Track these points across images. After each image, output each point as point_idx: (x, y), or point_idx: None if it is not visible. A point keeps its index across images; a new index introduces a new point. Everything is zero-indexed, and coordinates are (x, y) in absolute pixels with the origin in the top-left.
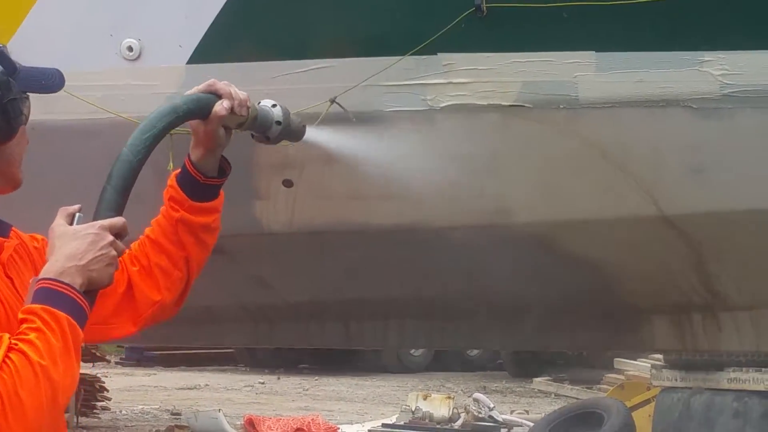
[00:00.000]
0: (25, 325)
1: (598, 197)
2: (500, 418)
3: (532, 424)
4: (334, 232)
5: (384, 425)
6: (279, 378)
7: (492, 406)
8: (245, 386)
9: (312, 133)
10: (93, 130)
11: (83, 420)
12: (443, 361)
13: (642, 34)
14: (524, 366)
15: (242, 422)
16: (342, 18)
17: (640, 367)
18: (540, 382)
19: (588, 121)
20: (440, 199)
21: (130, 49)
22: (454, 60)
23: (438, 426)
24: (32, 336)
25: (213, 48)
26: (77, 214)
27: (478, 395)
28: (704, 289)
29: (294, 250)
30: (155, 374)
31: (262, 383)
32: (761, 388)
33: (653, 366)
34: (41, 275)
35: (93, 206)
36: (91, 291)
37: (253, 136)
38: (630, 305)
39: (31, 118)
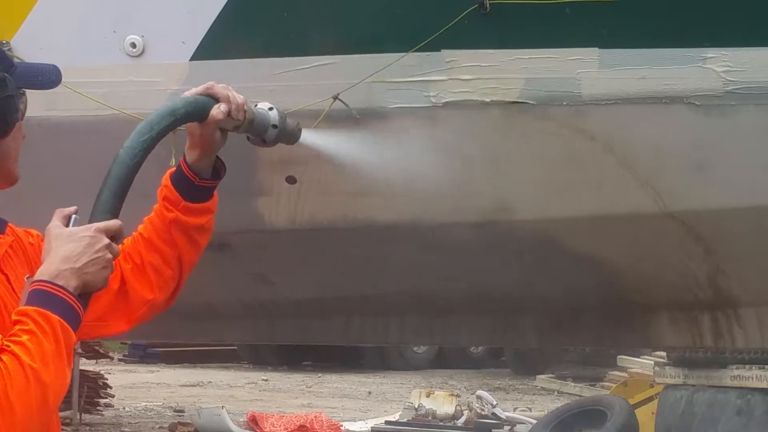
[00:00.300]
0: (17, 327)
1: (602, 194)
2: (503, 415)
3: (535, 422)
4: (337, 228)
5: (387, 422)
6: (285, 369)
7: (495, 403)
8: (248, 383)
9: (307, 136)
10: (96, 126)
11: (86, 417)
12: (446, 359)
13: (645, 31)
14: (527, 363)
15: (245, 419)
16: (345, 14)
17: (643, 364)
18: (543, 380)
19: (591, 118)
20: (443, 196)
21: (134, 45)
22: (457, 57)
23: (441, 423)
24: (24, 338)
25: (216, 45)
26: (73, 216)
27: (481, 392)
28: (710, 285)
29: (297, 247)
30: (158, 371)
31: (266, 380)
32: (764, 385)
33: (656, 363)
34: (36, 277)
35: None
36: (85, 294)
37: (249, 138)
38: (636, 302)
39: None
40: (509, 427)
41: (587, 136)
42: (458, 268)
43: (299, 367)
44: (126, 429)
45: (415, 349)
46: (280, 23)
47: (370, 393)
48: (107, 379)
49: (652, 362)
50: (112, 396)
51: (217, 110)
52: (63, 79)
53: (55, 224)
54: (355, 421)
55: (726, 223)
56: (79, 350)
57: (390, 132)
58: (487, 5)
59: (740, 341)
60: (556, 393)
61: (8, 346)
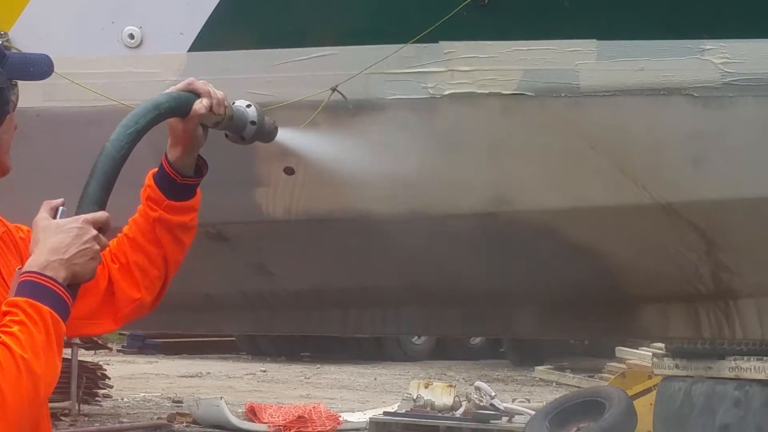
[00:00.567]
0: (8, 318)
1: (599, 185)
2: (502, 406)
3: (533, 413)
4: (335, 219)
5: (385, 413)
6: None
7: (493, 394)
8: (247, 374)
9: (282, 134)
10: (95, 117)
11: (85, 407)
12: (445, 350)
13: (643, 23)
14: (526, 354)
15: (244, 410)
16: (344, 5)
17: (641, 355)
18: (541, 371)
19: (589, 110)
20: (440, 187)
21: (132, 36)
22: (455, 48)
23: (439, 414)
24: (15, 329)
25: (214, 36)
26: (60, 208)
27: (479, 383)
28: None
29: (294, 238)
30: (157, 362)
31: (264, 371)
32: (762, 376)
33: (655, 355)
34: (25, 268)
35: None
36: (73, 285)
37: (227, 135)
38: (635, 294)
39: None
40: (507, 418)
41: (585, 127)
42: (457, 259)
43: (298, 358)
44: (124, 419)
45: (414, 340)
46: (278, 14)
47: (368, 384)
48: (106, 370)
49: (651, 353)
50: (111, 387)
51: (200, 105)
52: (62, 70)
53: (43, 216)
54: (353, 412)
55: (724, 215)
56: (78, 341)
57: (387, 123)
58: None
59: (739, 333)
60: (554, 384)
61: None
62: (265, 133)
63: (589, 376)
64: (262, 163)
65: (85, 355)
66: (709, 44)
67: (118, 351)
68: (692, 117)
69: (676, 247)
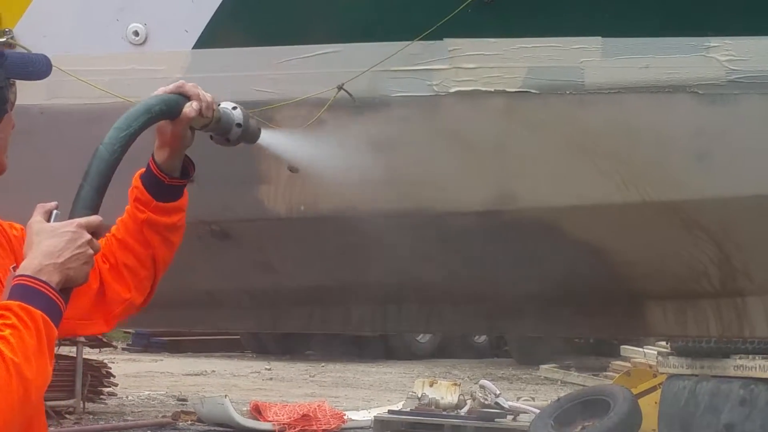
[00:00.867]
0: (0, 321)
1: (604, 183)
2: (506, 404)
3: (538, 411)
4: (339, 217)
5: (390, 412)
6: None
7: (498, 392)
8: (252, 372)
9: (266, 136)
10: (99, 114)
11: (90, 405)
12: (450, 348)
13: (648, 20)
14: (530, 353)
15: (248, 408)
16: (348, 2)
17: (646, 354)
18: (546, 369)
19: (594, 107)
20: (444, 184)
21: (136, 33)
22: (460, 45)
23: (444, 412)
24: (6, 332)
25: (219, 33)
26: (54, 211)
27: (484, 382)
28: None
29: (298, 235)
30: (162, 360)
31: (269, 369)
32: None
33: (659, 353)
34: (19, 271)
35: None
36: (66, 289)
37: (212, 137)
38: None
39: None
40: (512, 416)
41: (590, 125)
42: (461, 256)
43: (302, 357)
44: (129, 417)
45: (419, 338)
46: (282, 11)
47: (373, 382)
48: (111, 368)
49: (656, 352)
50: (116, 385)
51: (190, 108)
52: (66, 67)
53: (37, 219)
54: (358, 410)
55: (729, 212)
56: (83, 339)
57: (392, 120)
58: None
59: (747, 331)
60: (559, 383)
61: None
62: (250, 134)
63: (594, 375)
64: (266, 161)
65: (90, 354)
66: (714, 41)
67: (123, 349)
68: (697, 114)
69: (681, 245)
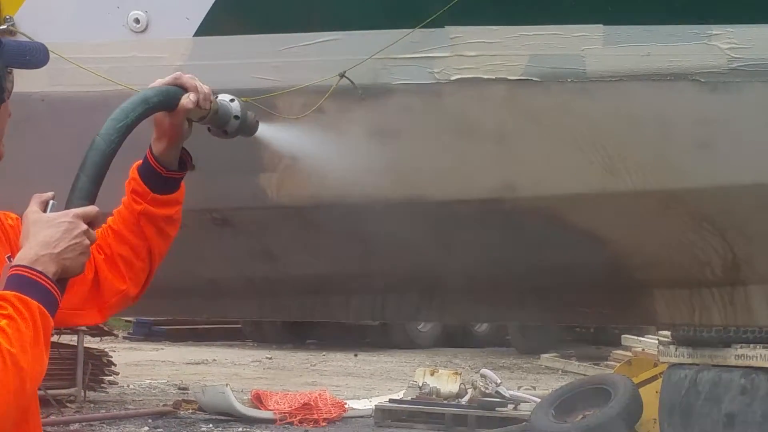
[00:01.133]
0: None
1: (605, 171)
2: (507, 393)
3: (539, 400)
4: (341, 205)
5: (391, 401)
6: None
7: (499, 381)
8: (253, 361)
9: (263, 129)
10: (100, 102)
11: (91, 394)
12: (451, 337)
13: (650, 8)
14: (531, 342)
15: (250, 397)
16: None
17: (647, 343)
18: (547, 359)
19: (596, 95)
20: (447, 172)
21: (137, 21)
22: (461, 33)
23: (445, 401)
24: (3, 323)
25: (220, 20)
26: (51, 201)
27: (485, 371)
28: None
29: (299, 223)
30: (163, 349)
31: (270, 358)
32: None
33: (660, 342)
34: (15, 262)
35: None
36: (62, 279)
37: (209, 130)
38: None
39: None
40: (513, 405)
41: (592, 113)
42: (462, 245)
43: (304, 346)
44: (130, 406)
45: (420, 327)
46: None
47: (374, 371)
48: (112, 357)
49: (656, 341)
50: (117, 373)
51: (187, 99)
52: (67, 55)
53: (33, 209)
54: (359, 399)
55: (732, 201)
56: (84, 328)
57: (393, 108)
58: None
59: (749, 320)
60: (560, 372)
61: None
62: (247, 127)
63: (595, 364)
64: (267, 148)
65: (91, 342)
66: (716, 29)
67: (124, 338)
68: (699, 102)
69: (683, 233)
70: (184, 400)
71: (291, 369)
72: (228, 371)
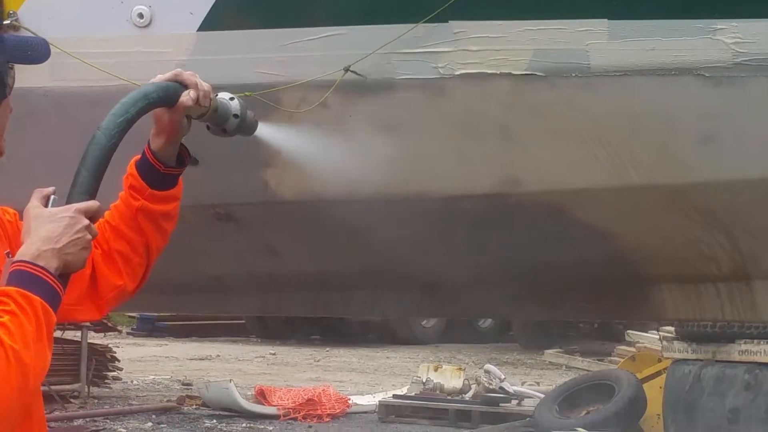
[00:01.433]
0: None
1: (610, 166)
2: (511, 389)
3: (542, 396)
4: (344, 201)
5: (395, 396)
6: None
7: (503, 377)
8: (256, 357)
9: (263, 129)
10: (104, 97)
11: (94, 390)
12: (454, 333)
13: (655, 2)
14: (535, 338)
15: (253, 393)
16: None
17: (651, 339)
18: (551, 354)
19: (600, 90)
20: (450, 168)
21: (141, 15)
22: (465, 28)
23: (449, 397)
24: (5, 319)
25: (224, 15)
26: (52, 197)
27: (489, 367)
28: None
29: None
30: (166, 345)
31: (274, 354)
32: None
33: (664, 338)
34: (17, 257)
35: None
36: (64, 274)
37: (208, 128)
38: (647, 276)
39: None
40: (517, 401)
41: (596, 108)
42: (466, 240)
43: (307, 341)
44: (134, 402)
45: (423, 323)
46: None
47: (377, 367)
48: (115, 353)
49: (660, 337)
50: (121, 369)
51: (187, 96)
52: (71, 50)
53: (34, 204)
54: (362, 395)
55: (736, 196)
56: (88, 324)
57: (397, 103)
58: None
59: (754, 315)
60: (563, 367)
61: None
62: (246, 126)
63: (599, 360)
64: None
65: (95, 338)
66: (720, 24)
67: (128, 334)
68: (703, 97)
69: (687, 229)
70: (187, 396)
71: (295, 365)
72: (232, 367)
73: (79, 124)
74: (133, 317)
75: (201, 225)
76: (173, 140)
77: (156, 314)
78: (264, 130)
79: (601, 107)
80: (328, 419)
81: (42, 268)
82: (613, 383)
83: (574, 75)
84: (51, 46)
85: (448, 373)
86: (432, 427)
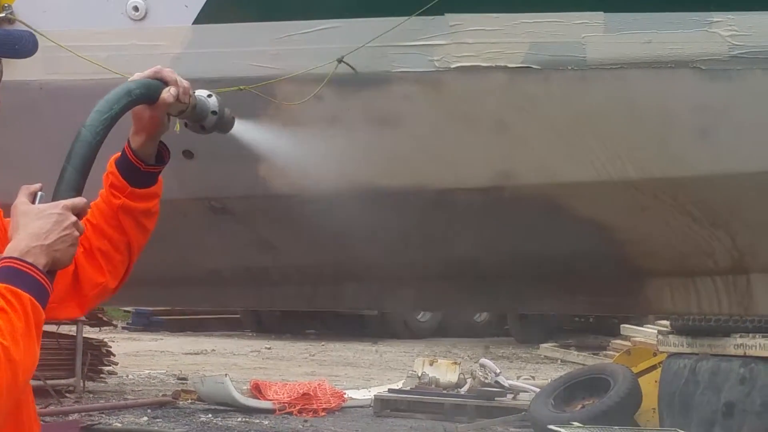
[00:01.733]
0: None
1: (606, 159)
2: (506, 383)
3: (538, 390)
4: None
5: (390, 390)
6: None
7: (498, 371)
8: (252, 351)
9: (239, 126)
10: (98, 90)
11: (90, 384)
12: (450, 327)
13: None
14: (531, 332)
15: (249, 387)
16: None
17: (646, 333)
18: (546, 348)
19: (596, 83)
20: (446, 160)
21: (136, 9)
22: (461, 21)
23: (444, 391)
24: None
25: (219, 8)
26: (39, 193)
27: (484, 361)
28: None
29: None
30: (162, 339)
31: (269, 348)
32: None
33: (660, 332)
34: (5, 254)
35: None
36: (51, 271)
37: (186, 125)
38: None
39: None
40: (512, 395)
41: (592, 101)
42: (460, 233)
43: (303, 336)
44: (129, 396)
45: (419, 317)
46: None
47: (373, 361)
48: (111, 347)
49: (656, 331)
50: (116, 363)
51: (168, 93)
52: (65, 43)
53: (22, 201)
54: (358, 389)
55: (732, 189)
56: (83, 318)
57: (393, 96)
58: None
59: (751, 309)
60: (559, 362)
61: None
62: (224, 123)
63: (594, 354)
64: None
65: (90, 332)
66: (716, 17)
67: (123, 328)
68: (699, 90)
69: (684, 222)
70: (183, 390)
71: (290, 359)
72: (227, 361)
73: (74, 117)
74: (128, 312)
75: (198, 219)
76: (153, 137)
77: (151, 309)
78: (240, 128)
79: (596, 100)
80: (323, 413)
81: (31, 264)
82: (608, 377)
83: (570, 68)
84: (46, 40)
85: (443, 367)
86: (427, 422)
